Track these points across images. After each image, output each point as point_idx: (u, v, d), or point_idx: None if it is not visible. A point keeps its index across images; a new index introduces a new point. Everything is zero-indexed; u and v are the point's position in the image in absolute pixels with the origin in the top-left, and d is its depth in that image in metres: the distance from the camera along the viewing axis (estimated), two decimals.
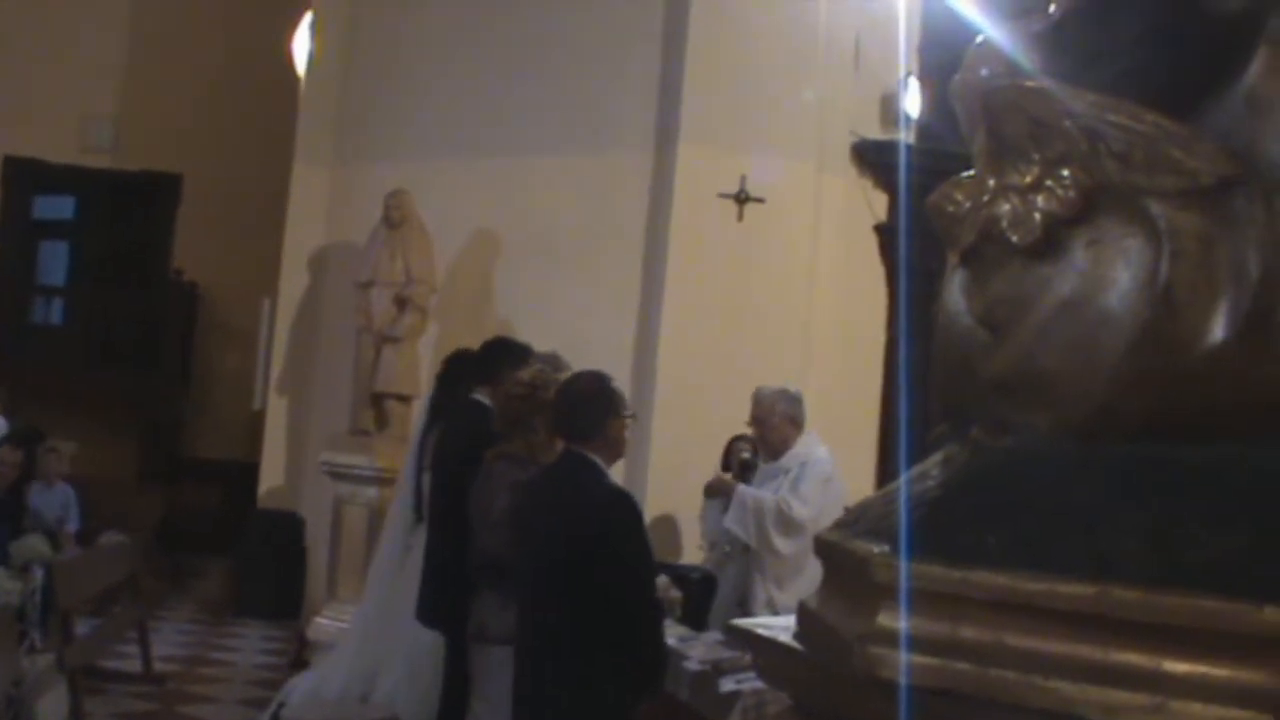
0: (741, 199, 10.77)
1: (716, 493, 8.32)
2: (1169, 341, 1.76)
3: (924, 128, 11.08)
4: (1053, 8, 1.94)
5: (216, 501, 15.31)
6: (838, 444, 8.64)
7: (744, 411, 8.44)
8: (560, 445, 5.80)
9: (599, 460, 5.49)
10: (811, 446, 8.21)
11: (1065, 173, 1.81)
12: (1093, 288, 1.81)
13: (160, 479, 15.67)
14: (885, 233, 11.27)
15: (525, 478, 6.31)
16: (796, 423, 8.25)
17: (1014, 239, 1.85)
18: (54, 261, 17.58)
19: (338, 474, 11.40)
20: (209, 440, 16.54)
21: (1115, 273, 1.79)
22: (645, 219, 11.10)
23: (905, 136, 11.06)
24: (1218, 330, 1.74)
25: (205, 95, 15.58)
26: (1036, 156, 1.84)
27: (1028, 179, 1.84)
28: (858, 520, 2.15)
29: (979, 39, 2.07)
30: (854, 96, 11.26)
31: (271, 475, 12.92)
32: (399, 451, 10.05)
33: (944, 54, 11.19)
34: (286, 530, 12.75)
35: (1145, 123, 1.75)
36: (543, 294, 11.10)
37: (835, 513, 7.89)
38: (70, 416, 14.44)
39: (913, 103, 11.12)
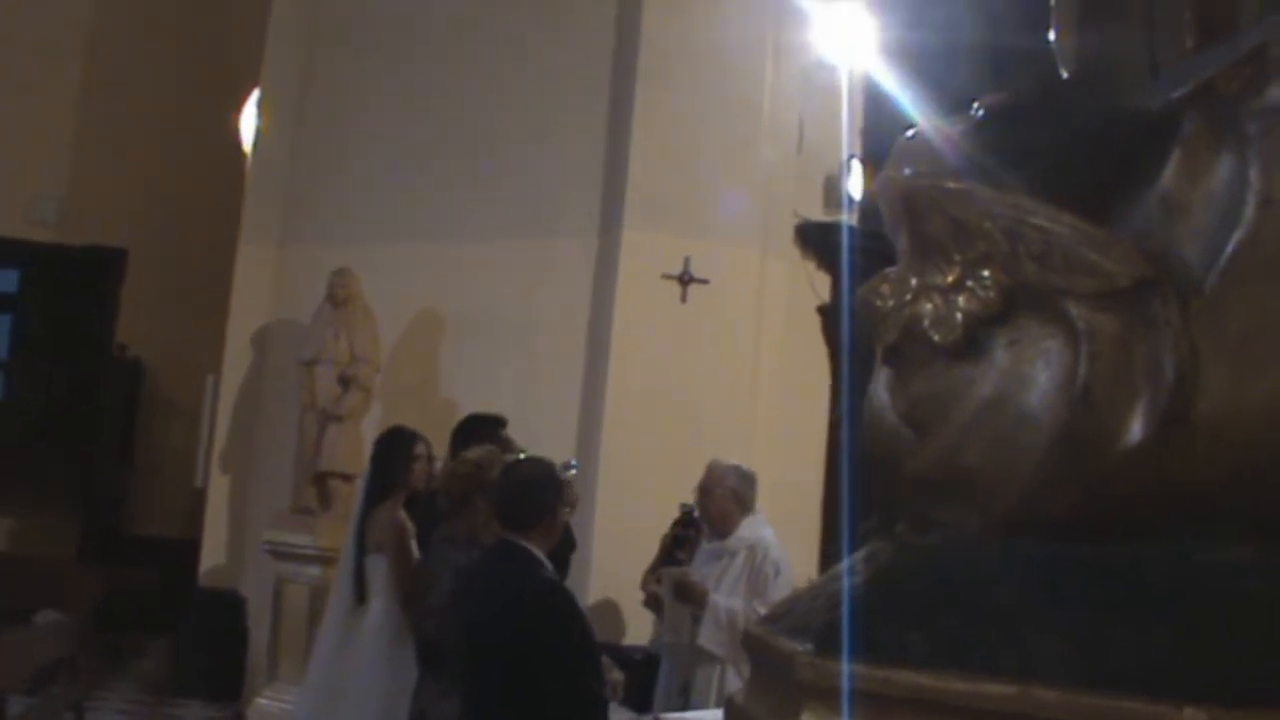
0: (685, 280, 10.82)
1: (687, 598, 8.06)
2: (1088, 441, 1.77)
3: (867, 209, 11.16)
4: (977, 108, 1.97)
5: (157, 579, 15.12)
6: (781, 525, 8.62)
7: (687, 491, 8.43)
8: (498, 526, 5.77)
9: (536, 549, 5.45)
10: (758, 529, 8.13)
11: (985, 273, 1.82)
12: (1013, 387, 1.83)
13: (100, 556, 15.48)
14: (828, 314, 11.33)
15: (466, 561, 6.28)
16: (742, 501, 8.17)
17: (936, 338, 1.87)
18: None
19: (280, 553, 11.30)
20: (150, 517, 16.37)
21: (1035, 373, 1.81)
22: (590, 300, 11.13)
23: (848, 218, 11.14)
24: (1135, 430, 1.76)
25: (152, 171, 15.54)
26: (957, 257, 1.85)
27: (949, 279, 1.86)
28: (784, 616, 2.15)
29: (902, 137, 2.10)
30: (797, 178, 11.35)
31: (213, 553, 12.80)
32: (342, 530, 9.95)
33: (887, 136, 11.29)
34: (228, 609, 12.61)
35: (1063, 225, 1.77)
36: (487, 374, 11.09)
37: None
38: (9, 492, 14.29)
39: (855, 184, 11.21)
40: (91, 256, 16.23)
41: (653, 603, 8.63)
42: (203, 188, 15.10)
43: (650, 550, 9.02)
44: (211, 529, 12.80)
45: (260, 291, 12.50)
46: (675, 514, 9.05)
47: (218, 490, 12.78)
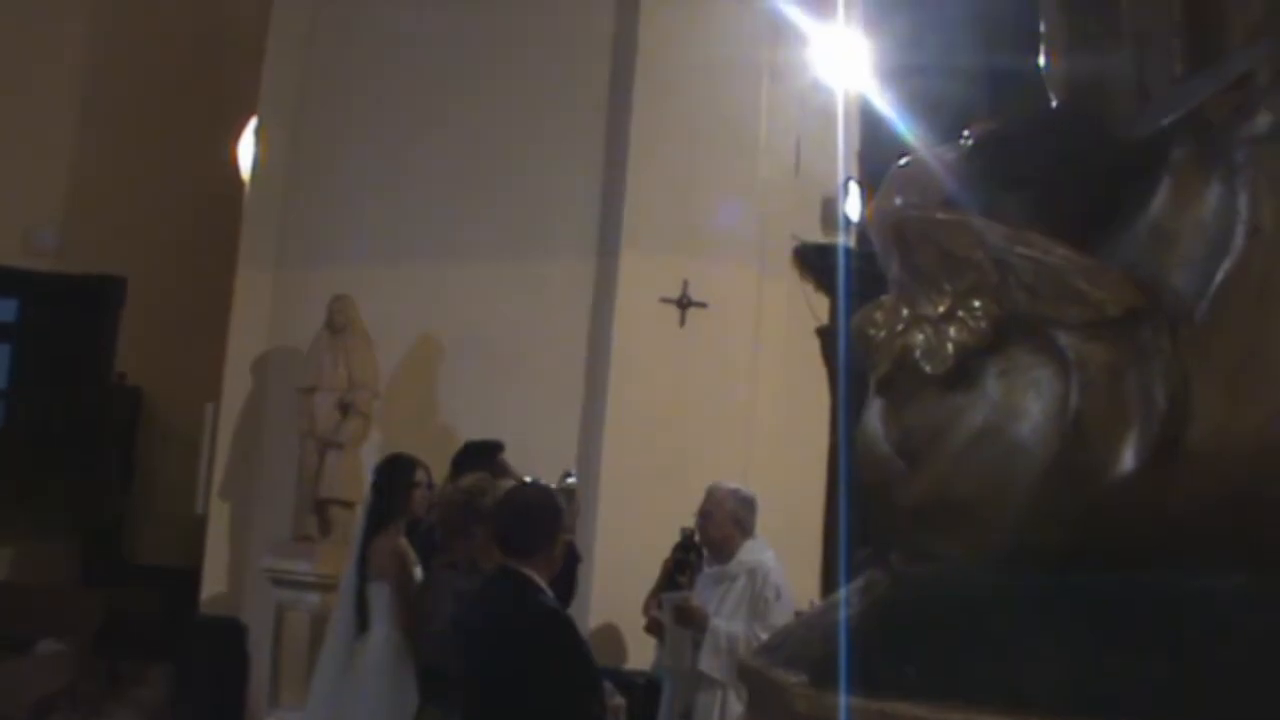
0: (683, 304, 10.81)
1: (688, 623, 8.03)
2: (1080, 472, 1.77)
3: (864, 231, 11.16)
4: (967, 136, 1.97)
5: (157, 606, 15.08)
6: (781, 547, 8.61)
7: (687, 516, 8.42)
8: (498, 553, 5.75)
9: (536, 576, 5.42)
10: (758, 553, 8.12)
11: (976, 304, 1.83)
12: (1005, 418, 1.83)
13: (101, 584, 15.45)
14: (827, 336, 11.32)
15: (468, 587, 6.27)
16: (742, 525, 8.17)
17: (927, 369, 1.87)
18: None
19: (280, 580, 11.28)
20: (150, 545, 16.32)
21: (1026, 403, 1.81)
22: (588, 324, 11.12)
23: (846, 240, 11.15)
24: (1127, 460, 1.76)
25: (150, 199, 15.52)
26: (948, 287, 1.86)
27: (940, 309, 1.86)
28: (780, 646, 2.15)
29: (894, 166, 2.10)
30: (795, 201, 11.35)
31: (214, 581, 12.76)
32: (342, 557, 9.94)
33: (884, 158, 11.31)
34: (228, 636, 12.57)
35: (1053, 255, 1.77)
36: (486, 399, 11.07)
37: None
38: (9, 520, 14.25)
39: (853, 206, 11.21)
40: (90, 285, 16.22)
41: (654, 627, 8.61)
42: (201, 216, 15.08)
43: (651, 574, 8.99)
44: (212, 556, 12.77)
45: (258, 319, 12.48)
46: (676, 538, 9.02)
47: (218, 517, 12.75)
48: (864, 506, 2.28)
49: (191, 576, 13.22)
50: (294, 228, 12.40)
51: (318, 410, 11.38)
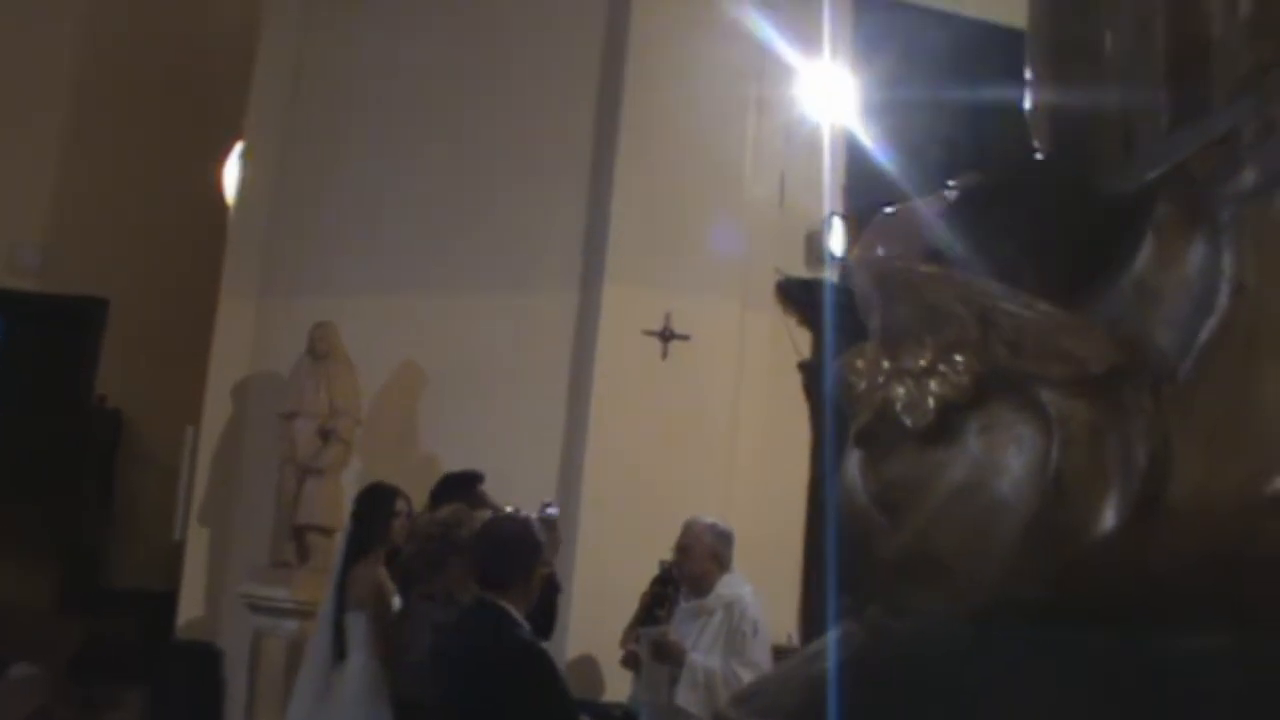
0: (666, 336, 10.81)
1: (665, 657, 8.00)
2: (1060, 528, 1.76)
3: (848, 266, 11.16)
4: (951, 188, 1.96)
5: (134, 631, 14.99)
6: (760, 581, 8.59)
7: (666, 548, 8.41)
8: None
9: (513, 608, 5.41)
10: (736, 587, 8.10)
11: (958, 358, 1.82)
12: (986, 474, 1.82)
13: (78, 608, 15.36)
14: (809, 370, 11.32)
15: (445, 618, 6.25)
16: (720, 560, 8.16)
17: (908, 422, 1.86)
18: None
19: (257, 606, 11.24)
20: (128, 569, 16.24)
21: (1007, 459, 1.80)
22: (570, 355, 11.12)
23: (830, 275, 11.15)
24: (1108, 518, 1.75)
25: (134, 221, 15.49)
26: (930, 340, 1.85)
27: (921, 362, 1.85)
28: (755, 696, 2.14)
29: (877, 215, 2.09)
30: (779, 235, 11.36)
31: (190, 606, 12.71)
32: (320, 584, 9.91)
33: (869, 193, 11.34)
34: (205, 662, 12.52)
35: (1036, 310, 1.77)
36: (467, 428, 11.05)
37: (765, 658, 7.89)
38: None
39: (837, 241, 11.22)
40: (73, 306, 16.17)
41: (631, 661, 8.58)
42: (185, 239, 15.05)
43: (630, 605, 8.97)
44: (189, 581, 12.72)
45: (241, 343, 12.46)
46: (654, 571, 9.00)
47: (196, 542, 12.70)
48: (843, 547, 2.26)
49: (169, 601, 13.17)
50: (278, 253, 12.39)
51: (298, 436, 11.35)
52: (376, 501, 8.37)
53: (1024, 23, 2.51)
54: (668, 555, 8.51)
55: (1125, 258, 1.87)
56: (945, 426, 1.86)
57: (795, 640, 10.29)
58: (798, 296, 11.37)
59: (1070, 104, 2.20)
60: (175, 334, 14.80)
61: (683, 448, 10.70)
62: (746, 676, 7.63)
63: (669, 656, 7.89)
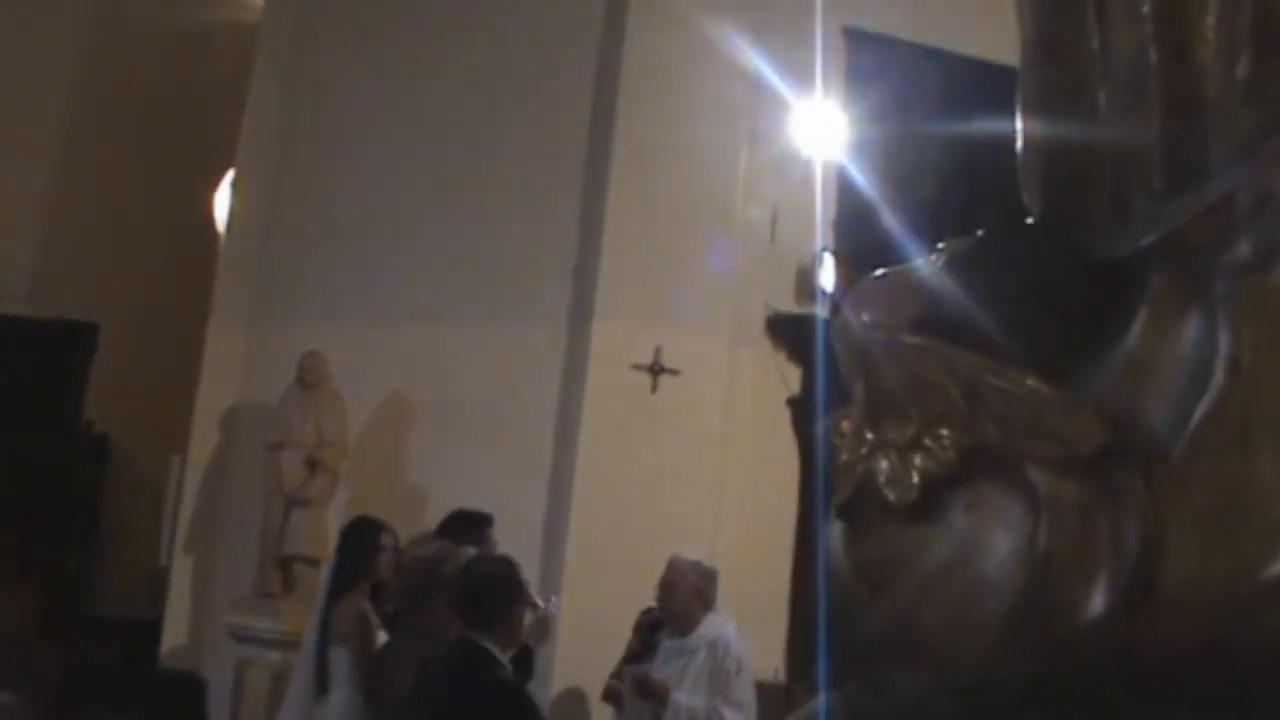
0: (655, 371, 10.75)
1: (649, 696, 7.92)
2: (1047, 611, 1.71)
3: (838, 303, 11.13)
4: (939, 252, 1.91)
5: (117, 659, 14.91)
6: (747, 616, 8.54)
7: (654, 584, 8.33)
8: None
9: (495, 648, 5.35)
10: (719, 625, 8.02)
11: (944, 432, 1.76)
12: (971, 552, 1.77)
13: (62, 634, 15.27)
14: (798, 407, 11.25)
15: (429, 655, 6.18)
16: (704, 598, 8.06)
17: (891, 498, 1.81)
18: None
19: (242, 636, 11.16)
20: (113, 596, 16.16)
21: (994, 538, 1.75)
22: (559, 389, 11.04)
23: (820, 311, 11.10)
24: (1097, 602, 1.69)
25: (125, 247, 15.44)
26: (915, 413, 1.80)
27: (905, 435, 1.80)
28: None
29: (862, 279, 2.04)
30: (769, 270, 11.31)
31: (174, 634, 12.63)
32: (305, 615, 9.79)
33: (860, 229, 11.31)
34: (188, 691, 12.43)
35: (1025, 387, 1.72)
36: (455, 460, 10.97)
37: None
38: None
39: (828, 277, 11.18)
40: (62, 331, 16.11)
41: (611, 696, 8.52)
42: (175, 266, 15.01)
43: (615, 642, 8.89)
44: (174, 609, 12.63)
45: (229, 372, 12.39)
46: (640, 607, 8.91)
47: (181, 570, 12.61)
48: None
49: (152, 628, 13.10)
50: (268, 282, 12.33)
51: (285, 466, 11.27)
52: (362, 535, 8.28)
53: (1014, 60, 2.47)
54: (651, 595, 8.41)
55: (1117, 329, 1.81)
56: (930, 502, 1.80)
57: (781, 676, 10.22)
58: (789, 332, 11.31)
59: (1061, 163, 2.14)
60: (164, 360, 14.74)
61: (672, 482, 10.62)
62: (730, 716, 7.57)
63: (652, 695, 7.82)
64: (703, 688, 7.78)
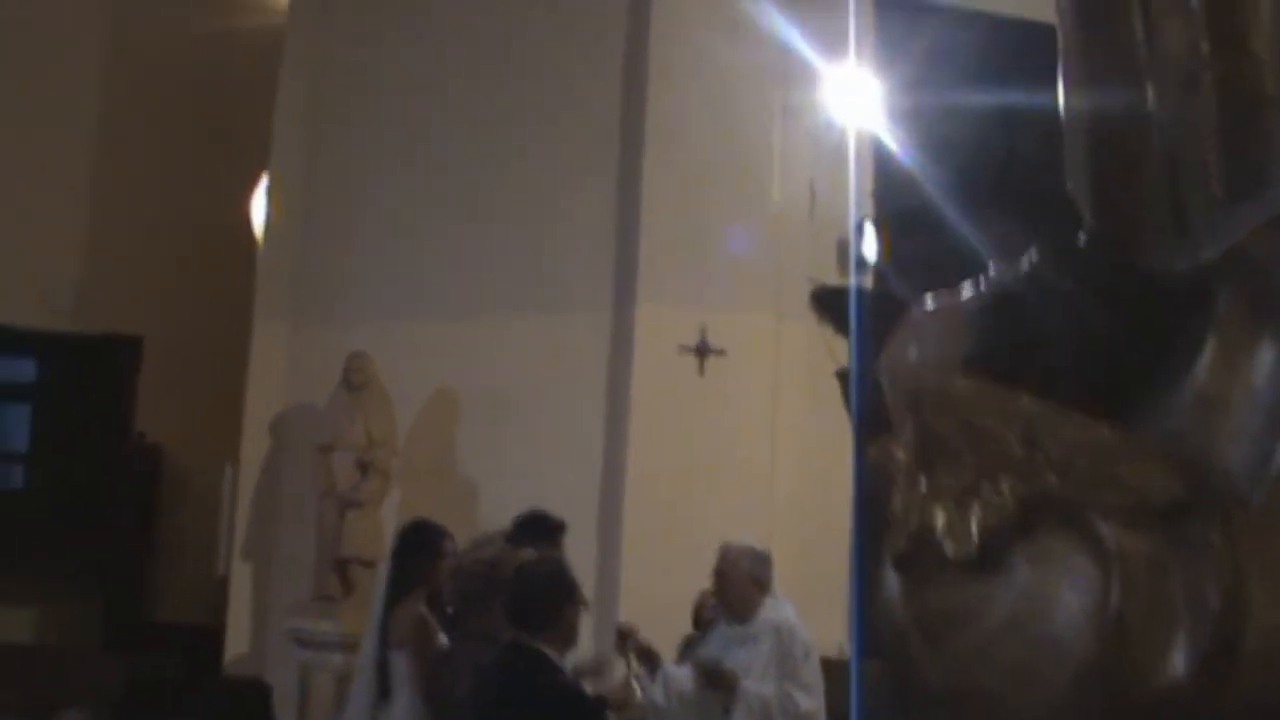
0: (702, 351, 10.68)
1: (717, 686, 7.83)
2: (1120, 674, 1.59)
3: (881, 271, 11.02)
4: (988, 283, 1.79)
5: (178, 668, 14.96)
6: (806, 590, 8.47)
7: (711, 567, 8.25)
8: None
9: (551, 652, 5.28)
10: (781, 610, 7.92)
11: (1002, 480, 1.65)
12: (1037, 609, 1.65)
13: (123, 645, 15.34)
14: (847, 379, 11.13)
15: (486, 659, 6.13)
16: (760, 584, 7.95)
17: (949, 550, 1.70)
18: (16, 425, 17.35)
19: (303, 640, 11.17)
20: (171, 604, 16.23)
21: (1061, 594, 1.64)
22: (606, 375, 10.98)
23: (861, 281, 10.98)
24: (1175, 665, 1.58)
25: (165, 257, 15.44)
26: (971, 461, 1.68)
27: (962, 482, 1.69)
28: None
29: (910, 312, 1.92)
30: (810, 242, 11.19)
31: (237, 641, 12.65)
32: (365, 617, 9.79)
33: (899, 197, 11.19)
34: (253, 697, 12.40)
35: (1088, 433, 1.60)
36: (505, 453, 10.92)
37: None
38: (31, 581, 14.16)
39: (868, 247, 11.04)
40: (108, 344, 16.14)
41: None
42: (216, 273, 15.01)
43: (673, 628, 8.81)
44: (235, 616, 12.66)
45: (275, 376, 12.38)
46: (697, 589, 8.82)
47: (240, 577, 12.63)
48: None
49: (212, 635, 13.14)
50: (309, 284, 12.31)
51: (336, 469, 11.26)
52: (422, 540, 8.21)
53: (1048, 18, 2.34)
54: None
55: (1183, 360, 1.69)
56: (990, 555, 1.69)
57: (846, 652, 10.14)
58: (832, 304, 11.19)
59: (1110, 166, 2.00)
60: (211, 368, 14.76)
61: (724, 462, 10.54)
62: (802, 700, 7.48)
63: (722, 684, 7.75)
64: (771, 674, 7.68)
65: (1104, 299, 1.74)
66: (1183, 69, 1.95)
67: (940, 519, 1.71)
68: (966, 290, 1.86)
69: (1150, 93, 2.00)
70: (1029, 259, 1.84)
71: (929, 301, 1.91)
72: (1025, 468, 1.65)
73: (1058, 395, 1.67)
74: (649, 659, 7.84)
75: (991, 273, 1.84)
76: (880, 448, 1.91)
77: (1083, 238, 1.99)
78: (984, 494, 1.66)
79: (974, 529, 1.68)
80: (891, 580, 1.88)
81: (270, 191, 12.82)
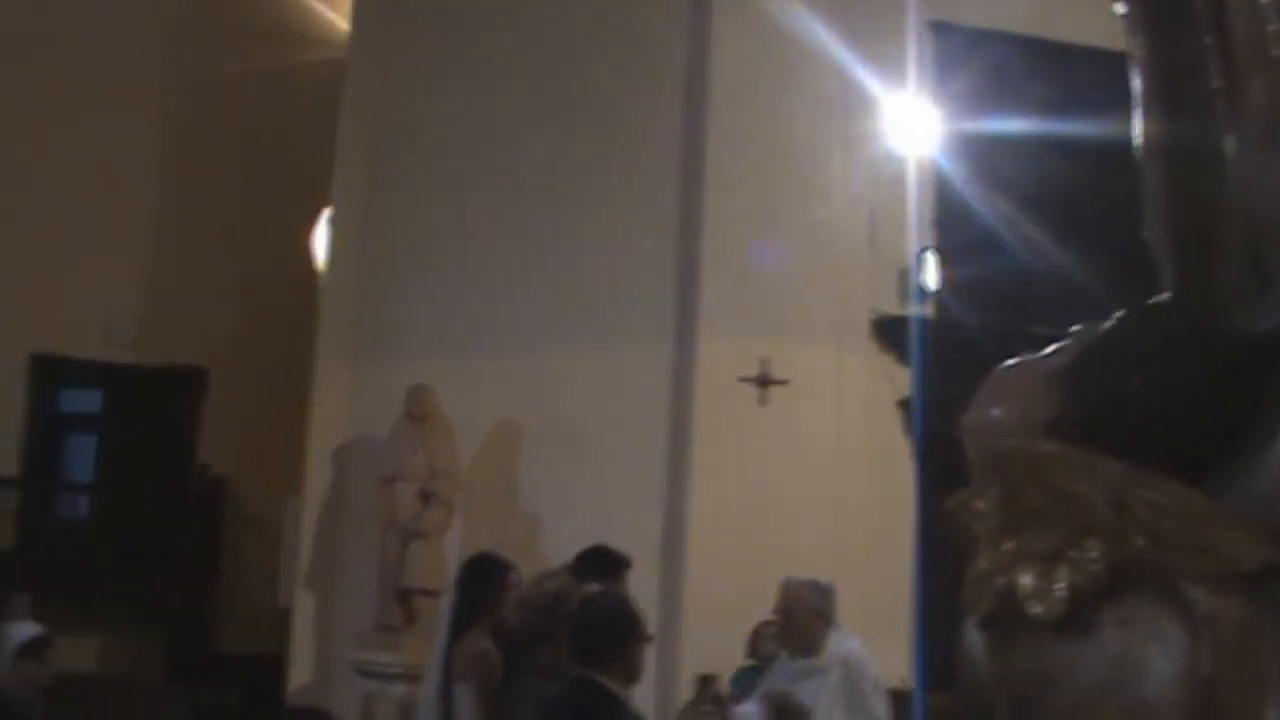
0: (763, 382, 10.68)
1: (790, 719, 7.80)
2: None
3: (942, 300, 11.02)
4: (1071, 344, 1.80)
5: (242, 698, 15.02)
6: (871, 622, 8.44)
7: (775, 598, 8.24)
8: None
9: (616, 687, 5.26)
10: (847, 643, 7.89)
11: (1090, 544, 1.66)
12: (1126, 674, 1.65)
13: (187, 675, 15.41)
14: (909, 409, 11.12)
15: (551, 693, 6.13)
16: (824, 617, 7.91)
17: (1036, 612, 1.70)
18: (81, 457, 17.49)
19: (366, 671, 11.21)
20: (235, 635, 16.31)
21: (1150, 659, 1.63)
22: (668, 407, 11.00)
23: (922, 311, 10.97)
24: None
25: (228, 290, 15.57)
26: (1058, 524, 1.69)
27: (1048, 546, 1.69)
28: None
29: (993, 372, 1.92)
30: (871, 273, 11.20)
31: (300, 671, 12.70)
32: (427, 647, 9.82)
33: (959, 226, 11.18)
34: None
35: (1175, 497, 1.60)
36: (567, 485, 10.96)
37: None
38: (96, 612, 14.26)
39: (929, 276, 11.03)
40: (172, 376, 16.27)
41: None
42: (278, 306, 15.11)
43: (738, 661, 8.82)
44: (298, 647, 12.71)
45: (338, 408, 12.45)
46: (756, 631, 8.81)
47: (303, 608, 12.68)
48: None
49: (276, 665, 13.19)
50: (370, 317, 12.38)
51: (399, 499, 11.31)
52: (486, 573, 8.22)
53: (1109, 42, 2.33)
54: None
55: (1270, 423, 1.69)
56: (1077, 617, 1.69)
57: (909, 684, 10.09)
58: (893, 334, 11.19)
59: (1190, 221, 2.00)
60: (274, 400, 14.84)
61: (788, 493, 10.55)
62: None
63: (793, 718, 7.73)
64: (840, 706, 7.66)
65: (1189, 359, 1.74)
66: (1263, 121, 1.95)
67: (1027, 580, 1.71)
68: (1049, 349, 1.87)
69: (1229, 144, 2.00)
70: (1113, 318, 1.84)
71: (1011, 361, 1.91)
72: (1113, 531, 1.65)
73: (1143, 457, 1.67)
74: (718, 700, 7.85)
75: (1074, 331, 1.85)
76: (960, 499, 1.92)
77: (1166, 296, 2.00)
78: (1071, 556, 1.66)
79: (1062, 591, 1.68)
80: (975, 639, 1.89)
81: (331, 225, 12.91)
